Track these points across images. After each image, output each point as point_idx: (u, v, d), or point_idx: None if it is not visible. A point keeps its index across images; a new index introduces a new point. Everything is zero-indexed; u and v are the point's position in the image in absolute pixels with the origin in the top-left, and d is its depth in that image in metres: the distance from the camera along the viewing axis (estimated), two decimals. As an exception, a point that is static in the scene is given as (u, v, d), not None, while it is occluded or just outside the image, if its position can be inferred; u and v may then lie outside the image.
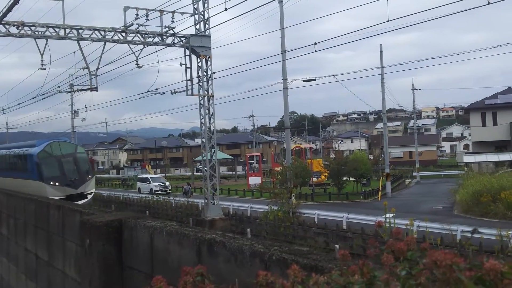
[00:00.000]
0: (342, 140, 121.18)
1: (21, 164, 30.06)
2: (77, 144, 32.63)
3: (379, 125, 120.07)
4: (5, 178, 31.70)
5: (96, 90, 24.63)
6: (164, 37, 23.61)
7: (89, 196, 28.55)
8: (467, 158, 52.91)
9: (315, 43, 23.13)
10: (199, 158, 38.60)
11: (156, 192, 47.30)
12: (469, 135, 77.08)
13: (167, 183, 54.23)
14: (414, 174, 66.79)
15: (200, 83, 23.78)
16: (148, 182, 53.76)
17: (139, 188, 54.07)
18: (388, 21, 17.50)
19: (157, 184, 52.21)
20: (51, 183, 27.04)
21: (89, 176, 29.01)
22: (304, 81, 31.32)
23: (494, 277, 1.65)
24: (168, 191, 48.84)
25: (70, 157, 28.62)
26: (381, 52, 42.39)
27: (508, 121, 52.50)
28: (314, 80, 30.95)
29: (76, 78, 28.74)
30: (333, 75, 30.68)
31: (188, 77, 23.76)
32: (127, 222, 11.35)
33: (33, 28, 21.52)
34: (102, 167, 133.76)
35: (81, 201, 26.11)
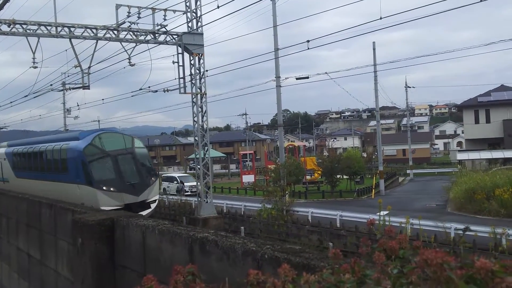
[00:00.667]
0: (335, 138, 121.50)
1: (59, 163, 22.45)
2: (133, 136, 24.12)
3: (372, 122, 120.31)
4: (36, 181, 24.31)
5: (89, 88, 24.50)
6: (156, 35, 23.52)
7: (153, 206, 21.48)
8: (461, 156, 53.11)
9: (308, 41, 23.18)
10: (192, 156, 37.52)
11: (186, 194, 42.45)
12: (462, 132, 77.39)
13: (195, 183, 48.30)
14: (408, 171, 67.00)
15: (193, 81, 23.70)
16: (175, 182, 48.47)
17: (164, 188, 46.63)
18: (380, 18, 17.53)
19: (188, 184, 46.19)
20: (104, 188, 19.94)
21: (152, 179, 21.96)
22: (297, 78, 31.34)
23: (484, 275, 1.64)
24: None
25: (127, 153, 21.41)
26: (374, 49, 42.44)
27: (501, 118, 52.75)
28: (307, 77, 30.98)
29: (68, 76, 28.66)
30: (326, 72, 30.67)
31: (181, 75, 23.71)
32: (119, 221, 11.29)
33: (24, 26, 21.36)
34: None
35: (144, 211, 19.87)
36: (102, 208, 17.33)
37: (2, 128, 61.73)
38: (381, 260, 2.03)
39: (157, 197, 22.20)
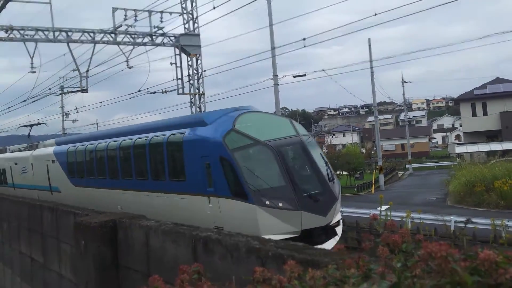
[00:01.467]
0: (334, 134, 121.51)
1: (168, 163, 14.72)
2: (290, 119, 15.85)
3: (371, 118, 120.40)
4: (115, 192, 17.02)
5: (87, 92, 24.61)
6: (153, 37, 23.61)
7: (339, 231, 13.21)
8: (459, 149, 53.26)
9: (304, 39, 23.27)
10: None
11: None
12: (460, 125, 77.53)
13: None
14: (407, 166, 67.10)
15: (191, 82, 23.82)
16: None
17: None
18: (375, 14, 17.62)
19: None
20: (268, 203, 11.87)
21: (336, 185, 13.54)
22: (294, 76, 31.44)
23: (489, 267, 1.66)
24: None
25: (295, 143, 13.31)
26: (369, 46, 42.57)
27: (498, 110, 52.87)
28: (305, 75, 31.06)
29: (66, 80, 28.73)
30: (323, 70, 30.78)
31: (179, 76, 23.83)
32: (122, 222, 11.38)
33: (22, 31, 21.46)
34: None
35: (328, 242, 12.32)
36: (265, 236, 8.95)
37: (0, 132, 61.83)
38: (384, 254, 2.06)
39: (340, 216, 13.74)
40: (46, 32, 21.85)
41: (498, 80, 57.21)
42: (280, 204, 11.79)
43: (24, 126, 34.90)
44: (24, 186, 24.98)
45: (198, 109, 23.87)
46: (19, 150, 28.12)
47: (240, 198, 11.90)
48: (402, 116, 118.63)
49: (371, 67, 42.66)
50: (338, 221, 13.27)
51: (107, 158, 17.83)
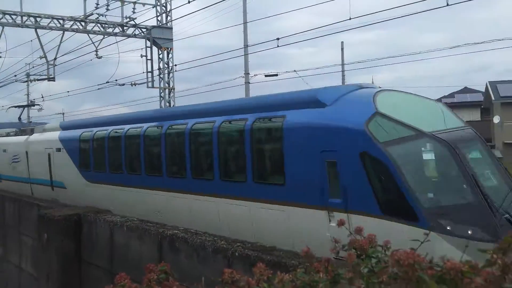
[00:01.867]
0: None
1: (270, 157, 10.90)
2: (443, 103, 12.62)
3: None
4: (195, 197, 11.53)
5: (54, 80, 24.05)
6: (125, 27, 23.24)
7: None
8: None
9: (277, 38, 23.24)
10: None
11: None
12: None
13: None
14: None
15: (161, 76, 23.56)
16: None
17: None
18: (350, 19, 17.72)
19: None
20: (453, 229, 7.40)
21: None
22: (266, 75, 31.33)
23: (454, 276, 1.68)
24: None
25: (471, 141, 9.07)
26: (342, 49, 42.82)
27: (465, 119, 53.99)
28: (276, 75, 30.97)
29: (33, 67, 28.00)
30: (294, 70, 30.85)
31: (149, 69, 23.50)
32: (87, 217, 11.21)
33: (-12, 15, 20.83)
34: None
35: None
36: None
37: None
38: (352, 259, 2.04)
39: None
40: (14, 16, 21.25)
41: (465, 90, 58.43)
42: (471, 232, 7.57)
43: (15, 107, 31.45)
44: (14, 178, 20.90)
45: (167, 104, 23.64)
46: (7, 134, 24.21)
47: (401, 218, 7.64)
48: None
49: (343, 70, 42.98)
50: None
51: (143, 148, 13.68)
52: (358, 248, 2.13)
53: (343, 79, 43.65)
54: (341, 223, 2.64)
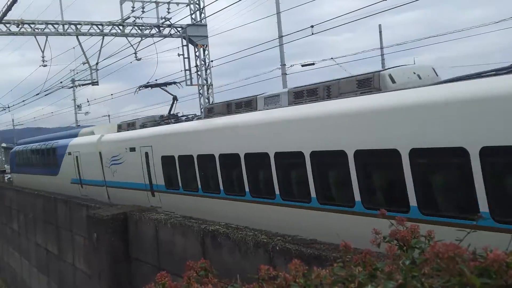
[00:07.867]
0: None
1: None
2: None
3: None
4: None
5: (97, 84, 24.84)
6: (161, 28, 23.72)
7: None
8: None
9: (312, 26, 23.10)
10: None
11: None
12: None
13: None
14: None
15: (199, 73, 23.95)
16: None
17: None
18: (386, -1, 17.42)
19: None
20: None
21: None
22: (302, 65, 31.20)
23: (498, 268, 1.58)
24: None
25: None
26: (380, 32, 42.16)
27: None
28: (313, 64, 30.84)
29: (77, 73, 28.91)
30: (332, 58, 30.53)
31: (187, 67, 23.94)
32: (132, 215, 11.64)
33: (32, 25, 21.73)
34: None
35: None
36: None
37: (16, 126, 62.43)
38: (393, 251, 1.99)
39: None
40: (56, 26, 22.08)
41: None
42: None
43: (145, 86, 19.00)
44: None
45: (206, 101, 24.02)
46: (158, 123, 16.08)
47: None
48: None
49: (382, 54, 42.33)
50: None
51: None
52: (400, 240, 2.08)
53: (382, 63, 42.98)
54: (382, 214, 2.36)
